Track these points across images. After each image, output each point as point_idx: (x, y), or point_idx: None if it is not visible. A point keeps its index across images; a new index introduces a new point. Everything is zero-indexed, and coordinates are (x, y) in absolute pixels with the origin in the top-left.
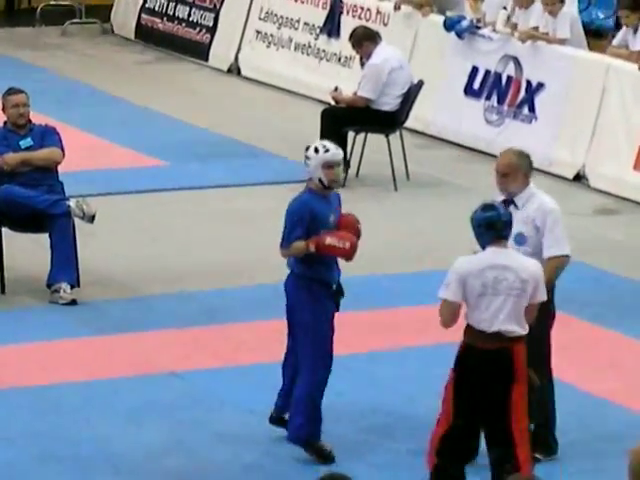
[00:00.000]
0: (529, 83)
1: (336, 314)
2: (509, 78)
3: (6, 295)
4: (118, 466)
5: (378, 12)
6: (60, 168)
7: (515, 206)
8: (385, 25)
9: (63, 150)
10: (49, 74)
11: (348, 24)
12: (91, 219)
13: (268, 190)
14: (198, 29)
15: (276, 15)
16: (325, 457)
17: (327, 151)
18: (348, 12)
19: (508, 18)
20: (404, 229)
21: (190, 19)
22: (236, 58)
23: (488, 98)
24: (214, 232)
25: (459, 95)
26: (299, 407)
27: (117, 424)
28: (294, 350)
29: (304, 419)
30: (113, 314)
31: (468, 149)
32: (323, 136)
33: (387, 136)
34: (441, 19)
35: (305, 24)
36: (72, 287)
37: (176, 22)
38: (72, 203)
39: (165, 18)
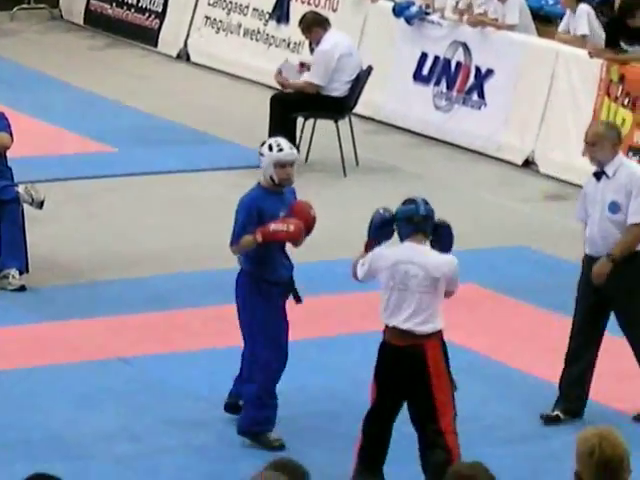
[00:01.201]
0: (478, 69)
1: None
2: (458, 64)
3: None
4: (67, 452)
5: None
6: (9, 154)
7: (606, 176)
8: (334, 11)
9: (12, 135)
10: None
11: (297, 10)
12: (40, 205)
13: (217, 176)
14: (147, 15)
15: (225, 1)
16: (275, 449)
17: (280, 150)
18: None
19: (457, 4)
20: (353, 214)
21: (139, 5)
22: (185, 44)
23: (437, 84)
24: (163, 218)
25: (408, 81)
26: (252, 402)
27: (66, 410)
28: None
29: (256, 413)
30: (62, 300)
31: (417, 135)
32: (272, 122)
33: (336, 122)
34: (390, 5)
35: (254, 10)
36: (21, 273)
37: (125, 8)
38: (21, 189)
39: (114, 3)
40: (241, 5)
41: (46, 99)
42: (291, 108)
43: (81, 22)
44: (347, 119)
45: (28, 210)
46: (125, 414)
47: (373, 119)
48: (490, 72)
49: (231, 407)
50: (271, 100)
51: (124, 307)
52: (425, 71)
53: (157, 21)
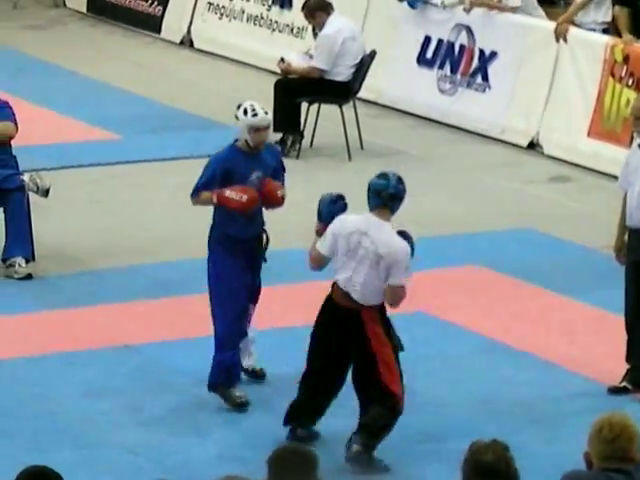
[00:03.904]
0: (482, 52)
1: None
2: (462, 47)
3: None
4: (75, 440)
5: None
6: (13, 142)
7: None
8: None
9: (16, 124)
10: (0, 47)
11: None
12: (45, 193)
13: None
14: (150, 1)
15: None
16: (238, 406)
17: (255, 115)
18: None
19: None
20: (358, 198)
21: None
22: (188, 30)
23: (441, 67)
24: (168, 205)
25: (412, 65)
26: (216, 356)
27: (73, 398)
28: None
29: (219, 366)
30: (68, 288)
31: (422, 118)
32: (276, 107)
33: (340, 106)
34: None
35: None
36: (27, 261)
37: None
38: (26, 177)
39: None
40: None
41: (50, 87)
42: (295, 93)
43: (84, 10)
44: (351, 103)
45: (34, 198)
46: (133, 401)
47: (377, 103)
48: (494, 55)
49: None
50: (275, 85)
51: (130, 294)
52: (429, 54)
53: (160, 8)
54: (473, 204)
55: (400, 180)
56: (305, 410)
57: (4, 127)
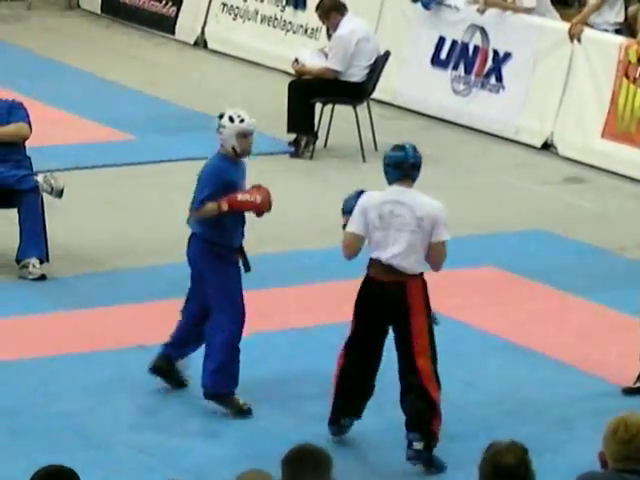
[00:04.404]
0: (496, 52)
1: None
2: (476, 48)
3: None
4: (89, 441)
5: None
6: (27, 143)
7: None
8: None
9: (30, 125)
10: (14, 48)
11: None
12: (59, 194)
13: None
14: (164, 2)
15: None
16: (244, 413)
17: (242, 121)
18: None
19: None
20: None
21: None
22: (202, 31)
23: (455, 68)
24: (181, 205)
25: (426, 65)
26: (221, 364)
27: (87, 399)
28: (194, 313)
29: (224, 375)
30: (82, 288)
31: (435, 119)
32: (291, 108)
33: (355, 107)
34: None
35: None
36: (41, 262)
37: None
38: (40, 178)
39: None
40: None
41: (64, 88)
42: (309, 94)
43: (98, 10)
44: (365, 104)
45: (48, 199)
46: (146, 402)
47: (391, 104)
48: (508, 55)
49: (159, 369)
50: (289, 86)
51: (144, 295)
52: (443, 55)
53: (174, 9)
54: (487, 205)
55: (416, 149)
56: (351, 401)
57: (18, 128)
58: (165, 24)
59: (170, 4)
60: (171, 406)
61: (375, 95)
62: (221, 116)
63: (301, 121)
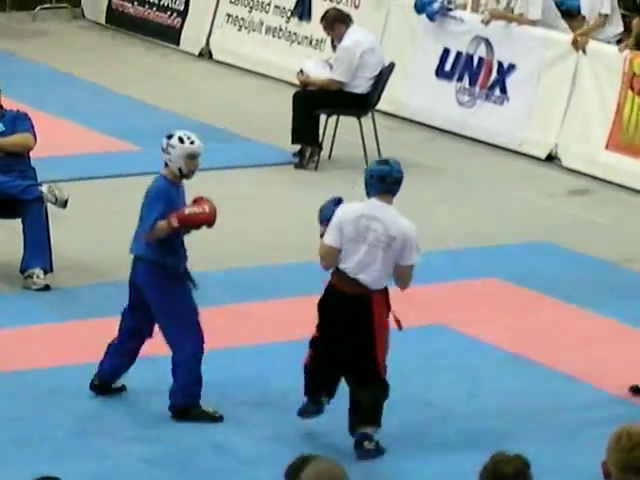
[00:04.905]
0: (500, 64)
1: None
2: (480, 59)
3: None
4: (93, 451)
5: None
6: (32, 153)
7: None
8: (356, 7)
9: (35, 135)
10: (20, 59)
11: (319, 6)
12: (64, 204)
13: (240, 174)
14: (169, 13)
15: None
16: (215, 420)
17: (192, 143)
18: None
19: (479, 2)
20: None
21: (161, 3)
22: (207, 42)
23: (460, 80)
24: None
25: (431, 77)
26: (188, 380)
27: (91, 409)
28: (136, 331)
29: (191, 390)
30: (86, 299)
31: (440, 131)
32: (295, 119)
33: (359, 118)
34: (412, 1)
35: (276, 7)
36: (45, 272)
37: (147, 6)
38: (44, 188)
39: (136, 2)
40: (263, 2)
41: (69, 98)
42: (314, 105)
43: (103, 21)
44: (370, 115)
45: (52, 209)
46: (151, 412)
47: (396, 115)
48: (512, 67)
49: (100, 387)
50: (294, 97)
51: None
52: (447, 67)
53: (179, 19)
54: (491, 217)
55: (399, 164)
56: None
57: (23, 138)
58: (170, 35)
59: (175, 15)
60: (176, 416)
61: (380, 106)
62: (170, 137)
63: (306, 132)
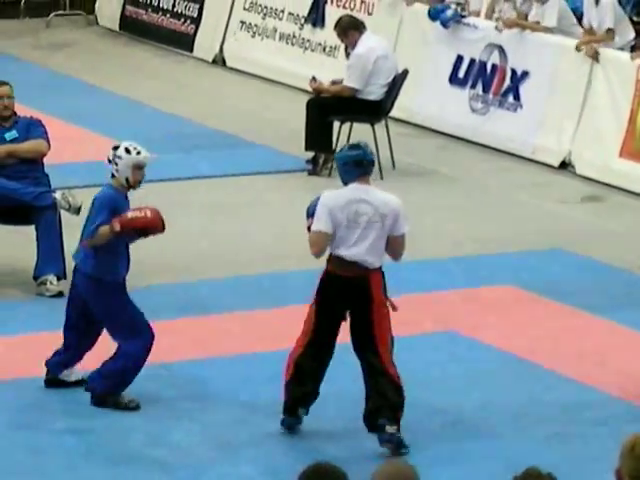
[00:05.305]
0: (514, 71)
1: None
2: (494, 66)
3: None
4: (111, 458)
5: (362, 1)
6: (45, 160)
7: None
8: (370, 14)
9: (48, 142)
10: (34, 66)
11: (333, 13)
12: (77, 211)
13: (253, 180)
14: (182, 20)
15: (260, 5)
16: (131, 410)
17: (139, 153)
18: (332, 1)
19: (493, 9)
20: None
21: (174, 10)
22: (221, 49)
23: (473, 87)
24: (201, 223)
25: (444, 84)
26: (119, 373)
27: (108, 416)
28: (80, 337)
29: (119, 382)
30: None
31: (453, 138)
32: (309, 126)
33: (373, 125)
34: (425, 8)
35: (290, 14)
36: (59, 279)
37: (160, 13)
38: (58, 195)
39: (149, 9)
40: (276, 9)
41: (82, 105)
42: (328, 112)
43: (117, 28)
44: (383, 122)
45: (65, 216)
46: (167, 420)
47: (409, 122)
48: (526, 74)
49: (52, 382)
50: (307, 104)
51: (163, 313)
52: (461, 74)
53: (193, 26)
54: (504, 224)
55: (368, 146)
56: (308, 390)
57: (36, 145)
58: (183, 41)
59: (189, 22)
60: (191, 424)
61: (393, 113)
62: (116, 147)
63: (319, 139)
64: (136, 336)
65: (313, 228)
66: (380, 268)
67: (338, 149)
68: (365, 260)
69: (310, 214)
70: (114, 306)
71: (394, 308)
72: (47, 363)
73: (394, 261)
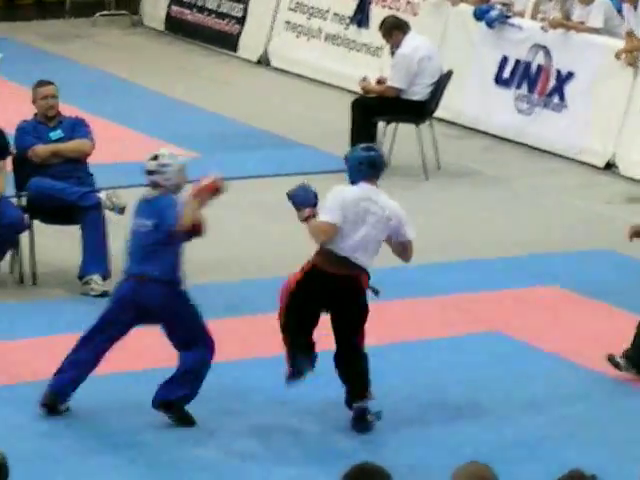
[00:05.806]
0: (559, 72)
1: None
2: (539, 67)
3: (38, 287)
4: (152, 458)
5: (408, 2)
6: (90, 160)
7: None
8: (415, 15)
9: (93, 142)
10: (79, 66)
11: (378, 14)
12: (122, 211)
13: (298, 181)
14: (227, 20)
15: (306, 5)
16: (192, 424)
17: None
18: (377, 2)
19: (539, 10)
20: (436, 219)
21: (219, 10)
22: (266, 49)
23: (518, 87)
24: (245, 223)
25: (489, 84)
26: (190, 380)
27: (148, 416)
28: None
29: (191, 387)
30: None
31: (499, 138)
32: (354, 126)
33: (417, 126)
34: (471, 8)
35: (335, 14)
36: (104, 279)
37: (205, 13)
38: (103, 195)
39: (194, 9)
40: (322, 10)
41: (127, 105)
42: (372, 112)
43: (162, 28)
44: (428, 123)
45: (111, 216)
46: (208, 420)
47: (454, 123)
48: (571, 75)
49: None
50: (352, 105)
51: (204, 312)
52: (506, 74)
53: (237, 26)
54: (550, 225)
55: (380, 149)
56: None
57: (80, 145)
58: (228, 41)
59: (234, 22)
60: (234, 424)
61: (438, 114)
62: (156, 157)
63: (364, 140)
64: (206, 340)
65: (325, 219)
66: (367, 270)
67: (350, 151)
68: (359, 258)
69: (298, 204)
70: (191, 308)
71: (377, 292)
72: (52, 385)
73: (405, 262)
